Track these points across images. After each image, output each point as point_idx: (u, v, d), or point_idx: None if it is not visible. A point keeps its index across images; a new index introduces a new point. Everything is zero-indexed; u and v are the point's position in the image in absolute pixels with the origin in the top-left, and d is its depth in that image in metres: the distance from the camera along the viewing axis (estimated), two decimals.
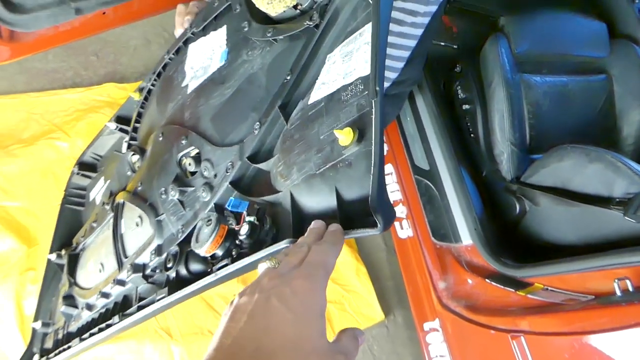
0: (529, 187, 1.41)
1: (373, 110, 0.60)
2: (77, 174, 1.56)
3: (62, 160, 1.88)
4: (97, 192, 1.46)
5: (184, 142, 0.97)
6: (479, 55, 1.67)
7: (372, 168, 0.57)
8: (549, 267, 1.12)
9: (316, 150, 0.67)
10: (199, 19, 1.11)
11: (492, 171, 1.63)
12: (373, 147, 0.58)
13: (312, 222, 0.63)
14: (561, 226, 1.26)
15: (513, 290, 1.25)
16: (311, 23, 0.81)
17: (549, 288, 1.20)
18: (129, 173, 1.18)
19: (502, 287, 1.29)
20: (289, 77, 0.81)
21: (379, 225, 0.55)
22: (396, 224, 1.80)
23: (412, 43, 0.96)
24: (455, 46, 1.71)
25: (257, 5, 0.89)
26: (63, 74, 2.08)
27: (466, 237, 1.47)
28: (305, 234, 0.62)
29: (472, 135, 1.72)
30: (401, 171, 1.82)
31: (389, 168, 1.90)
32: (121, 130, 1.40)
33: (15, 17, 1.27)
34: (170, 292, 0.83)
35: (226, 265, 0.74)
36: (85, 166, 1.56)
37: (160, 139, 1.06)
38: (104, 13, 1.43)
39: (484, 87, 1.60)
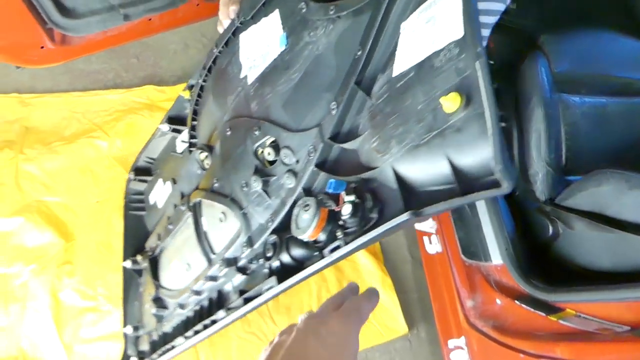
0: (564, 209, 1.39)
1: (479, 72, 0.58)
2: (134, 179, 1.60)
3: (100, 159, 1.95)
4: (158, 195, 1.49)
5: (257, 132, 0.97)
6: (516, 73, 1.66)
7: (491, 128, 0.56)
8: (582, 293, 1.10)
9: (416, 121, 0.66)
10: (246, 7, 1.09)
11: (526, 191, 1.62)
12: (487, 108, 0.56)
13: (349, 283, 0.70)
14: (596, 252, 1.24)
15: (544, 314, 1.24)
16: None
17: (582, 315, 1.18)
18: (198, 172, 1.19)
19: (532, 310, 1.27)
20: (359, 53, 0.79)
21: (505, 184, 0.55)
22: (425, 238, 1.80)
23: (502, 7, 0.93)
24: (491, 62, 1.71)
25: None
26: (105, 75, 2.16)
27: (496, 256, 1.46)
28: (343, 289, 0.68)
29: None
30: None
31: None
32: (174, 130, 1.42)
33: (68, 22, 1.34)
34: (280, 281, 0.83)
35: (338, 247, 0.73)
36: (141, 171, 1.61)
37: (229, 133, 1.07)
38: (149, 19, 1.48)
39: (520, 105, 1.59)
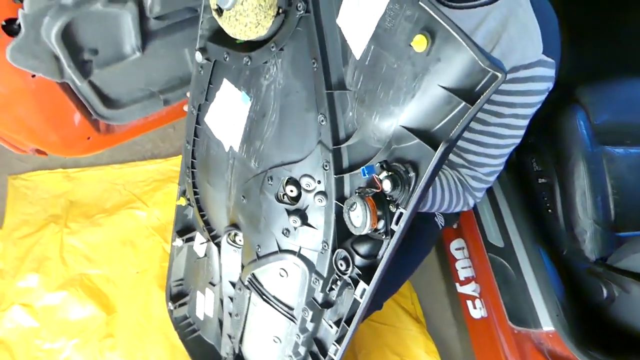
0: (618, 272, 1.33)
1: (426, 6, 0.67)
2: (175, 309, 1.62)
3: (139, 229, 2.01)
4: (203, 307, 1.50)
5: (270, 183, 1.02)
6: (554, 126, 1.64)
7: (459, 36, 0.65)
8: None
9: (400, 78, 0.74)
10: (196, 93, 1.17)
11: (574, 250, 1.56)
12: (448, 27, 0.65)
13: None
14: None
15: None
16: (302, 12, 0.87)
17: None
18: (235, 252, 1.22)
19: None
20: (316, 65, 0.88)
21: (499, 73, 0.63)
22: (468, 302, 1.75)
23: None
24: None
25: (244, 39, 0.95)
26: (143, 146, 2.25)
27: (547, 322, 1.40)
28: None
29: (549, 210, 1.67)
30: (473, 247, 1.78)
31: (460, 243, 1.86)
32: (188, 240, 1.46)
33: (112, 112, 1.43)
34: (368, 282, 0.86)
35: (401, 214, 0.78)
36: (176, 297, 1.62)
37: (245, 201, 1.12)
38: None
39: (561, 160, 1.56)
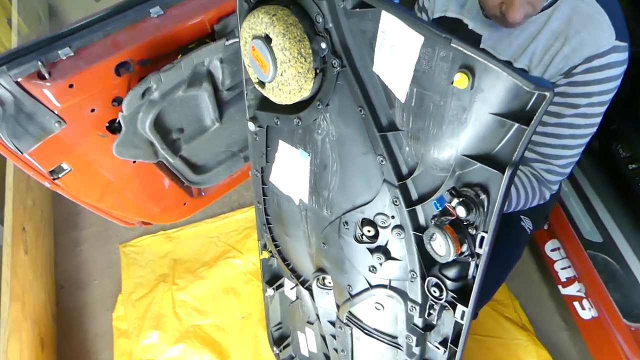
0: None
1: (460, 47, 0.70)
2: (279, 352, 1.70)
3: (238, 276, 2.16)
4: (307, 345, 1.58)
5: (347, 227, 1.08)
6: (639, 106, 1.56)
7: (499, 67, 0.68)
8: None
9: (449, 114, 0.77)
10: (257, 157, 1.24)
11: None
12: (486, 61, 0.68)
13: None
14: None
15: None
16: (338, 68, 0.92)
17: None
18: (327, 294, 1.28)
19: None
20: (363, 113, 0.92)
21: (547, 91, 0.65)
22: (575, 304, 1.68)
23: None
24: None
25: (289, 102, 1.00)
26: (229, 198, 2.43)
27: None
28: None
29: None
30: (569, 247, 1.72)
31: (554, 243, 1.80)
32: (278, 287, 1.55)
33: (201, 177, 1.59)
34: (466, 304, 0.89)
35: (483, 238, 0.81)
36: (279, 341, 1.71)
37: (326, 247, 1.17)
38: None
39: None
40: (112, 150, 1.28)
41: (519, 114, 0.70)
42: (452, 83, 0.73)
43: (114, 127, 1.30)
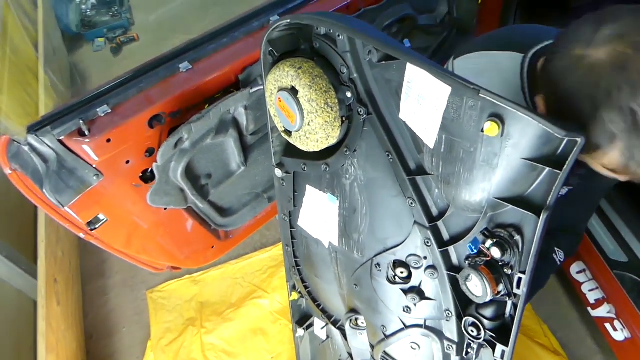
0: None
1: (488, 97, 0.72)
2: None
3: (265, 316, 2.15)
4: None
5: (379, 269, 1.08)
6: None
7: (529, 116, 0.69)
8: None
9: (480, 158, 0.79)
10: (284, 202, 1.26)
11: None
12: (517, 110, 0.70)
13: None
14: None
15: None
16: (364, 115, 0.94)
17: None
18: (360, 335, 1.28)
19: None
20: (391, 157, 0.94)
21: (578, 137, 0.67)
22: (607, 325, 1.66)
23: None
24: None
25: (317, 150, 1.01)
26: (251, 238, 2.41)
27: None
28: None
29: None
30: (595, 268, 1.71)
31: (579, 265, 1.79)
32: (307, 327, 1.53)
33: (227, 220, 1.62)
34: (506, 344, 0.89)
35: (520, 279, 0.82)
36: None
37: (358, 289, 1.17)
38: None
39: None
40: (147, 199, 1.32)
41: (550, 158, 0.72)
42: (482, 131, 0.75)
43: (146, 177, 1.34)
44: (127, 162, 1.26)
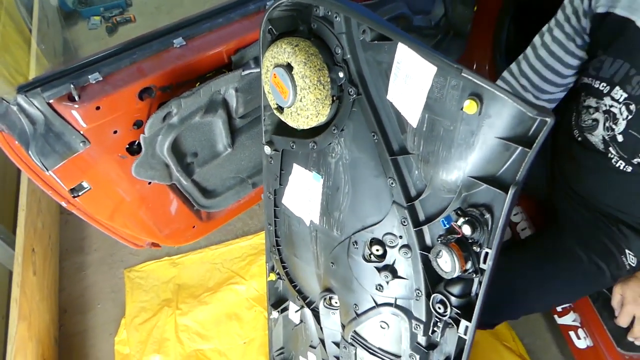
0: None
1: (469, 76, 0.76)
2: None
3: (241, 302, 2.15)
4: None
5: (356, 246, 1.11)
6: None
7: (505, 96, 0.73)
8: None
9: (458, 136, 0.82)
10: (271, 180, 1.28)
11: None
12: (494, 90, 0.74)
13: None
14: None
15: None
16: (354, 95, 0.97)
17: None
18: (333, 315, 1.30)
19: None
20: (376, 138, 0.97)
21: (548, 117, 0.70)
22: (571, 333, 1.70)
23: None
24: None
25: (305, 127, 1.04)
26: (234, 225, 2.45)
27: None
28: None
29: None
30: None
31: None
32: (283, 311, 1.55)
33: (211, 201, 1.63)
34: (470, 319, 0.91)
35: (487, 254, 0.85)
36: None
37: (334, 267, 1.20)
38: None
39: None
40: (131, 170, 1.32)
41: (522, 138, 0.75)
42: (462, 109, 0.79)
43: (133, 149, 1.34)
44: (115, 132, 1.26)
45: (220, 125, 1.44)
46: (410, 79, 0.86)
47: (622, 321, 1.34)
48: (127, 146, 1.32)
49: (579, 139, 1.35)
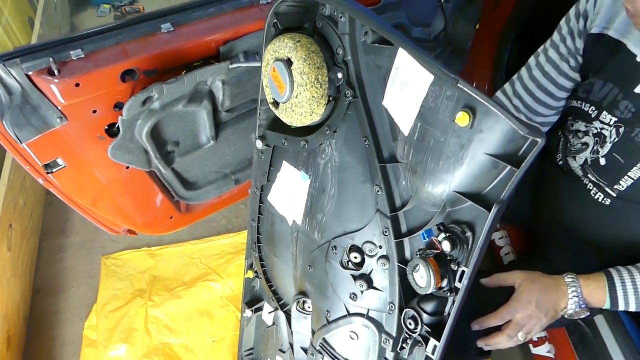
0: None
1: (465, 88, 0.73)
2: None
3: (215, 300, 2.10)
4: None
5: (334, 251, 1.07)
6: None
7: (498, 112, 0.70)
8: None
9: (447, 150, 0.79)
10: (259, 175, 1.24)
11: None
12: (487, 103, 0.71)
13: None
14: None
15: None
16: (350, 98, 0.94)
17: None
18: (305, 319, 1.25)
19: None
20: (367, 143, 0.94)
21: (539, 138, 0.67)
22: None
23: None
24: None
25: (300, 125, 1.01)
26: (218, 222, 2.41)
27: None
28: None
29: None
30: None
31: None
32: (257, 310, 1.50)
33: (191, 193, 1.58)
34: (439, 338, 0.88)
35: (464, 272, 0.82)
36: None
37: (311, 270, 1.16)
38: None
39: None
40: (107, 152, 1.26)
41: (511, 156, 0.71)
42: (454, 120, 0.75)
43: (112, 132, 1.28)
44: (94, 111, 1.20)
45: (205, 116, 1.38)
46: (407, 85, 0.82)
47: (497, 318, 1.12)
48: (107, 127, 1.26)
49: (560, 162, 1.33)
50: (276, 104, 1.03)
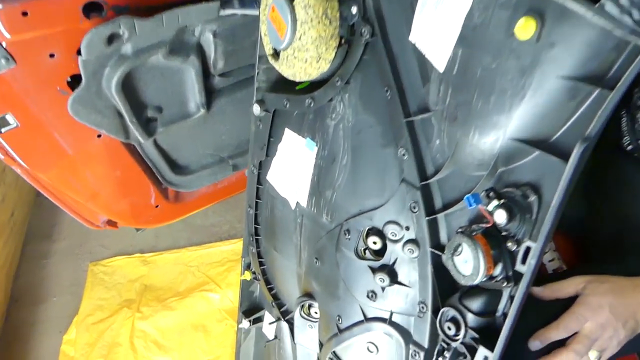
0: None
1: None
2: None
3: (212, 312, 1.92)
4: None
5: (347, 237, 0.88)
6: None
7: (580, 11, 0.51)
8: None
9: (502, 79, 0.60)
10: (257, 150, 1.08)
11: None
12: (564, 2, 0.51)
13: None
14: None
15: None
16: (367, 36, 0.77)
17: None
18: (311, 328, 1.06)
19: None
20: (389, 93, 0.76)
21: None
22: None
23: None
24: None
25: (305, 78, 0.85)
26: (220, 227, 2.26)
27: None
28: None
29: None
30: None
31: None
32: (255, 321, 1.31)
33: (180, 179, 1.39)
34: (492, 348, 0.66)
35: (528, 249, 0.60)
36: None
37: (318, 264, 0.97)
38: None
39: None
40: (67, 106, 1.07)
41: (600, 77, 0.52)
42: (512, 34, 0.56)
43: (77, 85, 1.09)
44: (52, 55, 1.02)
45: (193, 76, 1.21)
46: (443, 2, 0.65)
47: (559, 328, 0.83)
48: (69, 80, 1.08)
49: (629, 147, 1.11)
50: (276, 55, 0.88)
